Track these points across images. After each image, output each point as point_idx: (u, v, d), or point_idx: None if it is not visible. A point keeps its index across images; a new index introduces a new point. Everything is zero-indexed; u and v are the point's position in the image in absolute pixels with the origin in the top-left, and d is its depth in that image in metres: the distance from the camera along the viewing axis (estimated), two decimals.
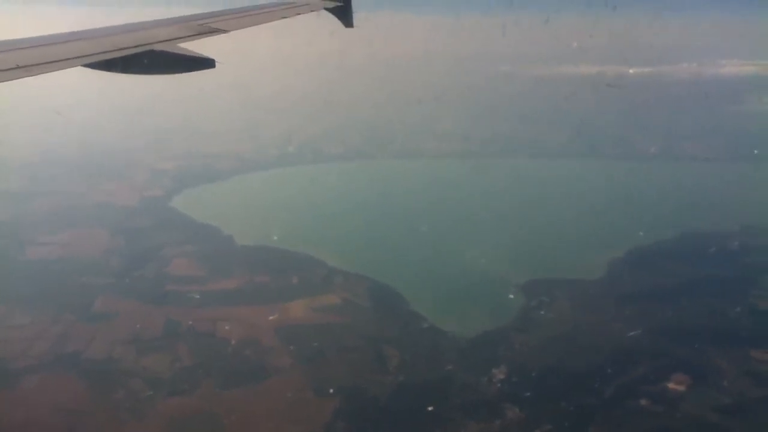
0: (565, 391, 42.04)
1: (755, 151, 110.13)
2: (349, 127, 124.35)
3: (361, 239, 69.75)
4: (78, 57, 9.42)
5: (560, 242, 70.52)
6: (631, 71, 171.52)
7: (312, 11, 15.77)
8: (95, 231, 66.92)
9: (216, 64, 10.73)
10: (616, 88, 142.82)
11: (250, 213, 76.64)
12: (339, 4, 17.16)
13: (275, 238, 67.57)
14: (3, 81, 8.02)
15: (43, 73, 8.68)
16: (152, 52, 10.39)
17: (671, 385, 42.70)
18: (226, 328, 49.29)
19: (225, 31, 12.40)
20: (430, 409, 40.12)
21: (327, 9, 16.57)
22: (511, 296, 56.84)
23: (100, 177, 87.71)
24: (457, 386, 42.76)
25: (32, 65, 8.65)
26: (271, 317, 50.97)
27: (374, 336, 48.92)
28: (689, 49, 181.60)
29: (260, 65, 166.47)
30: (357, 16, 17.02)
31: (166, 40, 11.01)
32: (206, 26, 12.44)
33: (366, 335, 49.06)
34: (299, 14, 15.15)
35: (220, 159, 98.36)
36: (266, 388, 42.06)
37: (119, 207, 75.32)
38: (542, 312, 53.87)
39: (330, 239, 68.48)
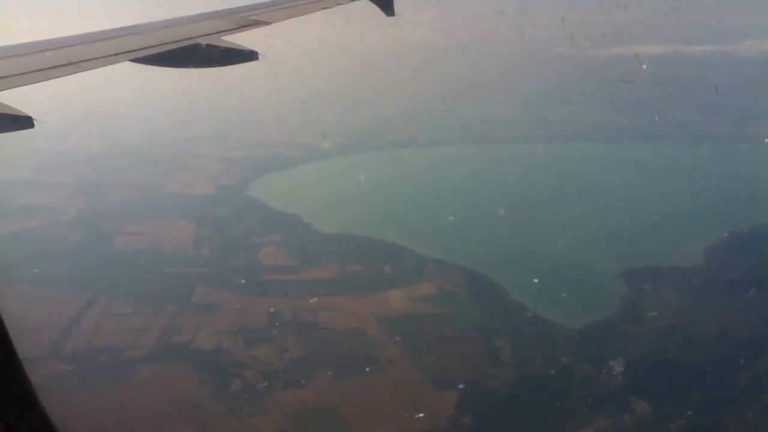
0: (691, 384, 40.32)
1: None
2: (406, 113, 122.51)
3: (442, 226, 68.50)
4: (126, 52, 9.76)
5: (648, 228, 68.11)
6: (693, 50, 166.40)
7: (353, 1, 15.54)
8: (179, 221, 66.97)
9: (259, 56, 10.98)
10: (678, 69, 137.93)
11: (326, 200, 75.90)
12: None
13: (357, 225, 66.77)
14: (57, 77, 8.41)
15: (93, 68, 9.03)
16: (197, 45, 10.61)
17: None
18: (328, 318, 48.74)
19: (267, 23, 12.54)
20: (556, 403, 39.00)
21: None
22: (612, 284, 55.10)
23: (170, 168, 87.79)
24: (577, 379, 41.40)
25: (83, 61, 8.98)
26: (371, 307, 50.23)
27: (479, 326, 47.76)
28: (752, 26, 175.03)
29: (305, 56, 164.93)
30: (400, 2, 16.54)
31: (210, 34, 11.22)
32: (248, 19, 12.58)
33: (470, 325, 47.92)
34: (340, 4, 15.01)
35: (286, 147, 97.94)
36: (381, 380, 41.32)
37: (197, 196, 75.36)
38: (648, 302, 52.04)
39: (411, 226, 67.25)
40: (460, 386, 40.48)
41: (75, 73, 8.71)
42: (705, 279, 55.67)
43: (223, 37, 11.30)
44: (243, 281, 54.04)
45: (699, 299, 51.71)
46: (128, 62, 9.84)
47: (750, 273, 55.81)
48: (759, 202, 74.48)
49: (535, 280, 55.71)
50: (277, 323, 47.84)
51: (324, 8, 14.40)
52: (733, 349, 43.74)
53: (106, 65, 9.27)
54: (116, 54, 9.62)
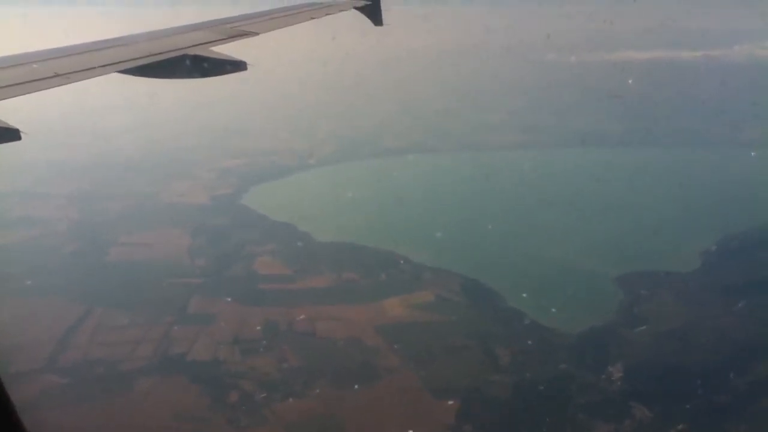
0: (692, 389, 40.27)
1: None
2: (401, 121, 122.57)
3: (438, 234, 67.94)
4: (113, 64, 9.78)
5: (643, 233, 68.14)
6: (682, 55, 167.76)
7: (341, 11, 15.73)
8: (174, 230, 66.52)
9: (248, 66, 11.04)
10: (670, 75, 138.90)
11: (321, 209, 75.60)
12: (368, 2, 17.13)
13: (353, 233, 66.57)
14: (43, 89, 8.37)
15: (80, 80, 9.00)
16: (185, 56, 10.63)
17: None
18: (326, 327, 48.43)
19: (255, 34, 12.61)
20: (556, 409, 38.86)
21: (356, 8, 16.46)
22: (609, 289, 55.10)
23: (164, 177, 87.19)
24: (576, 385, 41.28)
25: (69, 73, 8.99)
26: (369, 316, 50.00)
27: (478, 334, 47.59)
28: (740, 32, 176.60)
29: (295, 65, 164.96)
30: (390, 11, 17.02)
31: (199, 44, 11.29)
32: (237, 29, 12.63)
33: (469, 333, 47.76)
34: (329, 14, 15.16)
35: (280, 156, 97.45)
36: (381, 389, 41.04)
37: (192, 206, 74.92)
38: (645, 307, 52.07)
39: (407, 234, 67.00)
40: (461, 394, 40.31)
41: (62, 85, 8.71)
42: (701, 283, 55.81)
43: (211, 48, 11.35)
44: (239, 291, 53.58)
45: (696, 303, 51.78)
46: (117, 74, 9.85)
47: (746, 276, 56.05)
48: (752, 205, 74.88)
49: (533, 287, 55.57)
50: (274, 333, 47.50)
51: (312, 18, 14.54)
52: (732, 353, 43.80)
53: (93, 77, 9.28)
54: (104, 66, 9.65)
